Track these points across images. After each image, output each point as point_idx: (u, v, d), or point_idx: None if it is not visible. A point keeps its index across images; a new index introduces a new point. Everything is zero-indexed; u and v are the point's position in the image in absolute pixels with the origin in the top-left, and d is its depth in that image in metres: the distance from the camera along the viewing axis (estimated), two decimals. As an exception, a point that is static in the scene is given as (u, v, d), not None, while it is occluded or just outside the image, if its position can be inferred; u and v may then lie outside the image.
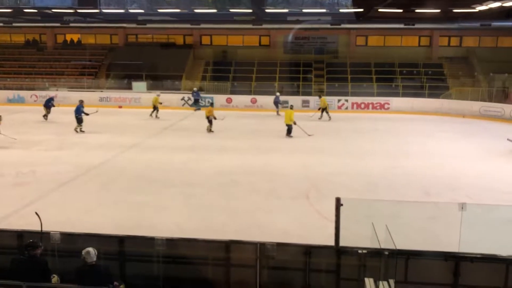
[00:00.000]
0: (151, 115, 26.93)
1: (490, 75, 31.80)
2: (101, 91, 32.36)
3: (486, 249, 7.43)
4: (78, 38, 38.82)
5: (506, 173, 15.68)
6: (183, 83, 33.21)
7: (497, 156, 18.15)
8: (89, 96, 31.47)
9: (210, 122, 22.31)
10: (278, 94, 29.39)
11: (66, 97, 31.47)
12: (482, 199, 12.45)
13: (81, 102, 22.33)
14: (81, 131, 21.69)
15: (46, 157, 17.14)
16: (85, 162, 16.29)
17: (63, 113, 27.39)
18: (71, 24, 37.31)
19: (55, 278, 6.60)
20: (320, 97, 28.06)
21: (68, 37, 38.83)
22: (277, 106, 28.61)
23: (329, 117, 26.86)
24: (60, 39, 39.19)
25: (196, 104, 30.27)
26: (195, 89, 30.90)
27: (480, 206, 9.93)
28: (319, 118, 26.95)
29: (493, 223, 9.10)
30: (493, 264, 6.79)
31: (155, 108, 26.88)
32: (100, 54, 36.93)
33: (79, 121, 21.75)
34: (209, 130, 22.31)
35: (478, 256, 6.79)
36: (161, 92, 30.91)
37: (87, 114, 21.83)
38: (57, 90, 32.48)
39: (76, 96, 31.40)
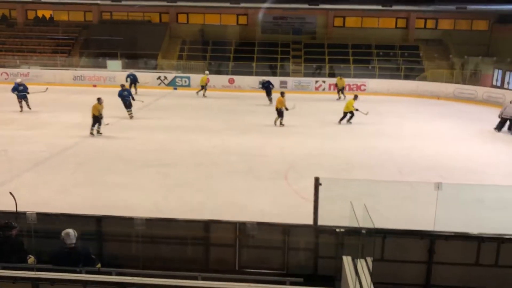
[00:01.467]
0: (197, 93, 27.70)
1: (464, 58, 32.30)
2: (75, 70, 31.63)
3: (459, 227, 7.65)
4: (50, 15, 37.63)
5: (478, 154, 16.07)
6: (159, 62, 32.71)
7: (469, 138, 18.56)
8: (62, 75, 30.85)
9: (280, 114, 19.70)
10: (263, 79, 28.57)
11: (39, 75, 30.73)
12: (455, 179, 12.74)
13: (123, 86, 21.32)
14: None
15: (18, 137, 16.75)
16: (59, 142, 16.00)
17: (34, 92, 26.77)
18: (43, 0, 36.14)
19: (31, 259, 6.51)
20: (338, 77, 28.25)
21: (40, 13, 37.60)
22: (269, 93, 25.70)
23: (344, 97, 27.06)
24: (31, 15, 37.94)
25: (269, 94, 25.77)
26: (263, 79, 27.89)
27: (453, 186, 10.16)
28: (338, 99, 27.11)
29: (466, 202, 9.34)
30: (466, 242, 6.99)
31: (203, 87, 27.61)
32: (73, 31, 35.96)
33: (128, 105, 20.69)
34: (280, 123, 19.70)
35: (452, 234, 6.97)
36: (135, 71, 30.44)
37: (133, 99, 21.10)
38: (29, 68, 31.60)
39: (49, 74, 30.75)
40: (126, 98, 20.53)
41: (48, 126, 18.60)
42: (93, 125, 17.41)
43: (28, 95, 21.47)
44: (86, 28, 35.99)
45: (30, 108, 21.35)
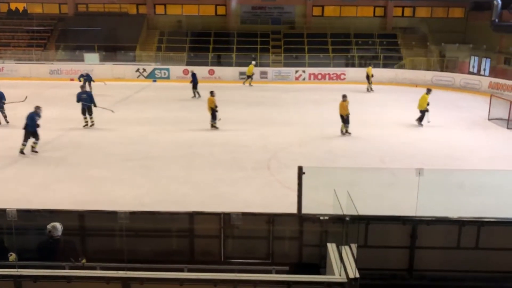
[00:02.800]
0: (244, 83, 27.92)
1: (441, 45, 32.70)
2: (52, 63, 31.01)
3: (440, 212, 7.78)
4: (24, 7, 36.74)
5: (457, 140, 16.34)
6: (137, 54, 32.31)
7: (448, 124, 18.84)
8: (38, 69, 30.24)
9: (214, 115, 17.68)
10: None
11: (14, 70, 30.09)
12: (435, 165, 12.94)
13: (83, 87, 18.37)
14: None
15: (-5, 133, 16.41)
16: (37, 137, 15.69)
17: (12, 87, 26.19)
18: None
19: (12, 256, 6.42)
20: (368, 66, 28.25)
21: (13, 6, 36.68)
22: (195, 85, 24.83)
23: (371, 89, 27.01)
24: (3, 8, 36.98)
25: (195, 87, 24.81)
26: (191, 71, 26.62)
27: (434, 172, 10.32)
28: (370, 90, 27.11)
29: (446, 187, 9.49)
30: (447, 226, 7.11)
31: (249, 76, 27.73)
32: (48, 24, 35.21)
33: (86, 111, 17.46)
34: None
35: (433, 219, 7.09)
36: (113, 64, 30.05)
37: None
38: (3, 62, 30.89)
39: (25, 68, 30.10)
40: (85, 102, 17.28)
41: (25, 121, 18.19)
42: (213, 118, 17.42)
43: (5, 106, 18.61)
44: (62, 21, 35.28)
45: (7, 122, 18.27)
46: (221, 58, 31.94)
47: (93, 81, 24.66)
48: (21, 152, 13.93)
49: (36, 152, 14.13)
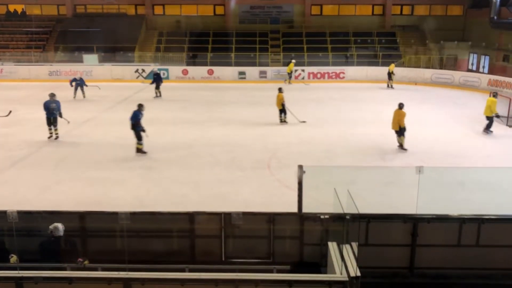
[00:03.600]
0: (285, 82, 28.03)
1: (440, 43, 32.70)
2: (51, 65, 31.01)
3: (441, 209, 7.78)
4: (22, 9, 36.76)
5: (456, 138, 16.33)
6: (136, 55, 32.30)
7: (448, 122, 18.85)
8: (37, 70, 30.24)
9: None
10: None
11: (13, 72, 30.09)
12: (435, 163, 12.94)
13: (52, 96, 16.25)
14: None
15: (-5, 135, 16.40)
16: (37, 139, 15.73)
17: (11, 89, 26.28)
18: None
19: (13, 258, 6.43)
20: (390, 63, 28.21)
21: (11, 7, 36.70)
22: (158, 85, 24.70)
23: (391, 86, 27.17)
24: (2, 9, 36.98)
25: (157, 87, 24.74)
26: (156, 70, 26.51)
27: (434, 169, 10.33)
28: (390, 87, 27.22)
29: (446, 185, 9.49)
30: (448, 224, 7.12)
31: (289, 74, 28.16)
32: (47, 25, 35.20)
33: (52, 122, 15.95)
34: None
35: (434, 216, 7.09)
36: (112, 65, 30.05)
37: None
38: (2, 64, 30.88)
39: (24, 69, 30.09)
40: (53, 112, 15.68)
41: (25, 123, 18.24)
42: (284, 114, 18.22)
43: None
44: (60, 22, 35.28)
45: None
46: (220, 58, 31.88)
47: (86, 86, 23.76)
48: (140, 151, 14.10)
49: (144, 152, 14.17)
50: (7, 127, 17.67)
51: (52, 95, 16.05)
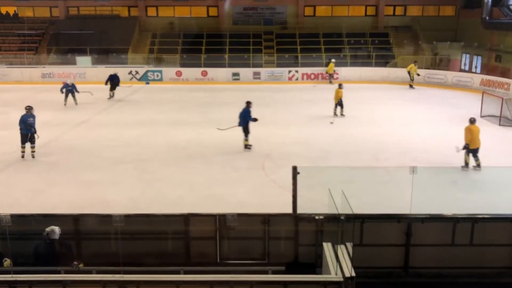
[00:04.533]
0: (330, 82, 28.33)
1: (433, 43, 32.84)
2: (43, 67, 30.81)
3: (435, 209, 7.82)
4: (14, 11, 36.54)
5: (449, 137, 16.39)
6: (129, 57, 32.21)
7: (441, 121, 18.93)
8: (30, 72, 30.08)
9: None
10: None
11: (6, 74, 29.89)
12: (429, 163, 12.99)
13: (29, 109, 14.52)
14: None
15: (-13, 138, 16.29)
16: (30, 141, 15.60)
17: (3, 91, 26.14)
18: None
19: (7, 262, 6.39)
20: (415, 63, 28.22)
21: (3, 10, 36.49)
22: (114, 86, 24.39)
23: (411, 85, 27.33)
24: (-6, 12, 36.83)
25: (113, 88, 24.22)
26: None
27: (428, 169, 10.38)
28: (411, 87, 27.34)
29: (440, 184, 9.54)
30: (442, 223, 7.16)
31: (331, 75, 28.22)
32: (39, 27, 35.01)
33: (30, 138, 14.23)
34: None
35: (428, 216, 7.13)
36: (106, 67, 29.90)
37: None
38: (-6, 66, 30.70)
39: (16, 72, 29.91)
40: (31, 127, 13.93)
41: (17, 126, 18.07)
42: (342, 107, 19.57)
43: None
44: (53, 24, 35.11)
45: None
46: (214, 59, 31.83)
47: (78, 92, 22.40)
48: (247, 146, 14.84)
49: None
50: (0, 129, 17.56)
51: (29, 108, 14.40)
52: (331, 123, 18.44)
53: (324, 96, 25.07)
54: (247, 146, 14.94)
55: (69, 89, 22.32)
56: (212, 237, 7.06)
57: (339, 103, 19.67)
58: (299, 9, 35.98)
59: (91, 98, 21.81)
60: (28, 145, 13.91)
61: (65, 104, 22.24)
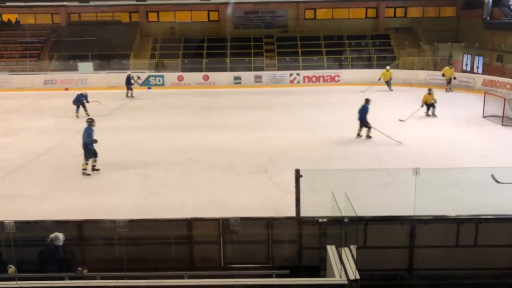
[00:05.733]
0: (391, 89, 27.31)
1: (434, 44, 32.84)
2: (46, 74, 30.93)
3: (438, 210, 7.81)
4: (16, 18, 36.70)
5: (452, 138, 16.39)
6: (131, 62, 32.29)
7: (443, 122, 18.91)
8: (32, 79, 30.19)
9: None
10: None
11: (8, 81, 30.01)
12: (431, 164, 12.98)
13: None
14: None
15: (-10, 145, 16.35)
16: (33, 148, 15.67)
17: (6, 98, 26.24)
18: (7, 4, 35.17)
19: (11, 269, 6.40)
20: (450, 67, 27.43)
21: (5, 17, 36.68)
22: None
23: (450, 88, 26.69)
24: (-5, 19, 37.00)
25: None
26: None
27: (431, 171, 10.36)
28: (449, 90, 26.76)
29: (443, 185, 9.52)
30: (445, 225, 7.14)
31: (388, 82, 27.24)
32: (41, 34, 35.14)
33: None
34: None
35: (432, 218, 7.11)
36: (107, 73, 30.01)
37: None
38: (-3, 74, 30.83)
39: (19, 79, 30.04)
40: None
41: (21, 133, 18.20)
42: (433, 108, 20.00)
43: None
44: (55, 31, 35.26)
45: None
46: (215, 63, 31.90)
47: (88, 102, 21.29)
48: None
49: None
50: (2, 136, 17.62)
51: (91, 121, 13.52)
52: (402, 120, 19.12)
53: (326, 99, 25.11)
54: (368, 136, 16.37)
55: (83, 99, 21.13)
56: (216, 242, 7.06)
57: (430, 105, 20.12)
58: (300, 12, 36.04)
59: (94, 104, 21.81)
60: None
61: (77, 116, 20.84)
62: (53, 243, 6.34)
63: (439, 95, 25.63)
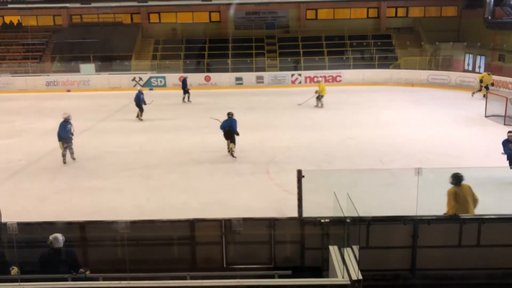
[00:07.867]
0: (483, 94, 23.03)
1: (436, 44, 32.80)
2: (48, 75, 31.01)
3: (441, 210, 7.80)
4: (18, 20, 36.78)
5: (454, 138, 16.37)
6: (133, 63, 32.34)
7: (445, 122, 18.88)
8: (34, 81, 30.25)
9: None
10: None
11: (10, 83, 30.07)
12: (434, 164, 12.95)
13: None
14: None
15: (-7, 146, 16.38)
16: (36, 149, 15.70)
17: (8, 100, 26.31)
18: (9, 6, 35.26)
19: (14, 270, 6.40)
20: (485, 72, 25.60)
21: (7, 19, 36.75)
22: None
23: (476, 92, 24.56)
24: (-3, 21, 37.08)
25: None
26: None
27: (433, 170, 10.34)
28: (484, 96, 23.19)
29: (446, 185, 9.49)
30: (448, 225, 7.13)
31: (487, 87, 23.55)
32: (43, 36, 35.24)
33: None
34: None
35: (434, 218, 7.10)
36: (109, 74, 30.04)
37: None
38: (-1, 76, 30.92)
39: (21, 80, 30.11)
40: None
41: (23, 134, 18.24)
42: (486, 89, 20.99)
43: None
44: (57, 32, 35.34)
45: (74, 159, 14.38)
46: (217, 64, 31.94)
47: (145, 104, 20.70)
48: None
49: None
50: (5, 138, 17.66)
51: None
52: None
53: (327, 98, 25.05)
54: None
55: (142, 98, 20.50)
56: (218, 242, 7.05)
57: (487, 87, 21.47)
58: (301, 12, 36.05)
59: (96, 105, 21.84)
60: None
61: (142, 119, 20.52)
62: (53, 246, 6.29)
63: (407, 94, 25.66)
